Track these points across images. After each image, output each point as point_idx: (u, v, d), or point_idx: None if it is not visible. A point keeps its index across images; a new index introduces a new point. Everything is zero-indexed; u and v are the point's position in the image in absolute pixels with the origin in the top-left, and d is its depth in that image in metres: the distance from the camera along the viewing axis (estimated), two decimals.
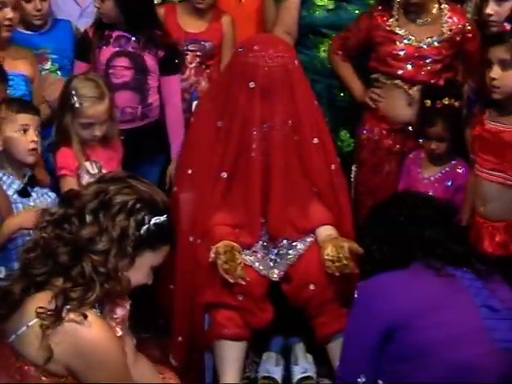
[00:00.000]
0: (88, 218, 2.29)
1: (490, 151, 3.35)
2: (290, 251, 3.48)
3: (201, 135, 3.59)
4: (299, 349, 3.71)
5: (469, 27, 3.94)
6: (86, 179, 3.52)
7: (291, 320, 3.60)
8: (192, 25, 4.30)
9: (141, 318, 3.83)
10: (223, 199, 3.50)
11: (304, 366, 3.63)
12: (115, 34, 4.02)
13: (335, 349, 3.24)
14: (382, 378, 2.48)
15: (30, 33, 4.07)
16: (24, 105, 3.43)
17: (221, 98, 3.54)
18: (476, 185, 3.44)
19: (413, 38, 3.92)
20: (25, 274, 2.31)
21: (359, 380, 2.48)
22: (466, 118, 3.76)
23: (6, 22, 3.78)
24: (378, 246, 2.63)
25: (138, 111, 4.05)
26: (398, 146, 4.02)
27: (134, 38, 4.01)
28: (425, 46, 3.91)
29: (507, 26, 3.30)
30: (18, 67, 3.81)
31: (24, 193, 3.37)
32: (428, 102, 3.76)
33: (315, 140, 3.54)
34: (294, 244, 3.49)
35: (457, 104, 3.74)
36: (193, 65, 4.27)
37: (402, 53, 3.92)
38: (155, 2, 4.30)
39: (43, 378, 2.24)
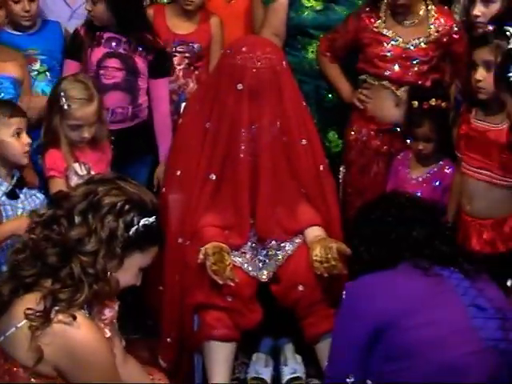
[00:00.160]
0: (77, 219, 2.30)
1: (476, 150, 3.36)
2: (279, 252, 3.49)
3: (189, 137, 3.59)
4: (288, 349, 3.72)
5: (456, 28, 3.96)
6: (74, 181, 3.52)
7: (280, 321, 3.61)
8: (180, 26, 4.30)
9: (129, 320, 3.85)
10: (212, 200, 3.50)
11: (293, 366, 3.64)
12: (106, 35, 4.02)
13: (324, 349, 3.25)
14: (371, 378, 2.48)
15: (18, 33, 4.06)
16: (15, 108, 3.44)
17: (209, 100, 3.54)
18: (463, 183, 3.46)
19: (400, 39, 3.93)
20: (13, 275, 2.31)
21: (348, 380, 2.49)
22: (453, 119, 3.78)
23: None
24: (365, 247, 2.64)
25: (129, 112, 4.06)
26: (385, 147, 4.03)
27: (124, 40, 4.01)
28: (412, 47, 3.93)
29: (491, 28, 3.31)
30: (7, 70, 3.80)
31: (12, 195, 3.37)
32: (415, 103, 3.78)
33: (303, 141, 3.55)
34: (282, 245, 3.50)
35: (444, 105, 3.76)
36: (181, 66, 4.27)
37: (389, 54, 3.93)
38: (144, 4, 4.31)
39: (32, 380, 2.24)
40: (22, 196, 3.39)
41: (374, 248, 2.61)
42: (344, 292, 2.54)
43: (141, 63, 4.03)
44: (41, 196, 3.46)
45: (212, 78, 3.67)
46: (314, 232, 3.49)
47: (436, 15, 3.96)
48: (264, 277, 3.47)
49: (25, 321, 2.21)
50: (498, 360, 2.44)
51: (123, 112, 4.04)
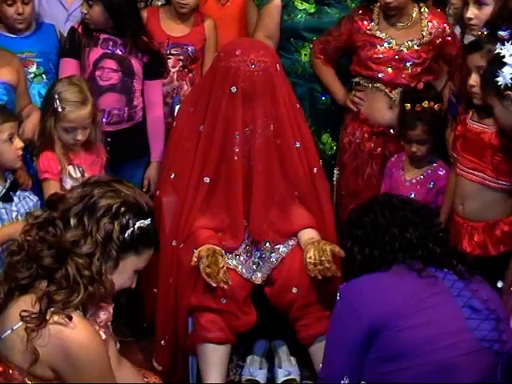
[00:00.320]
0: (72, 222, 2.30)
1: (470, 151, 3.37)
2: (273, 254, 3.49)
3: (183, 139, 3.59)
4: (283, 352, 3.73)
5: (448, 30, 3.98)
6: (68, 183, 3.52)
7: (274, 323, 3.61)
8: (175, 29, 4.30)
9: (124, 322, 3.86)
10: (206, 203, 3.50)
11: (288, 368, 3.65)
12: (102, 36, 4.01)
13: (318, 351, 3.25)
14: (366, 379, 2.49)
15: (14, 36, 4.04)
16: (7, 113, 3.43)
17: (203, 103, 3.53)
18: (456, 183, 3.47)
19: (393, 41, 3.94)
20: (9, 277, 2.31)
21: (342, 382, 2.49)
22: (446, 121, 3.79)
23: None
24: (359, 249, 2.64)
25: (125, 113, 4.05)
26: (379, 149, 4.04)
27: (120, 42, 4.01)
28: (405, 50, 3.94)
29: (485, 32, 3.32)
30: (2, 75, 3.78)
31: (6, 198, 3.37)
32: (408, 106, 3.79)
33: (297, 143, 3.55)
34: (276, 247, 3.50)
35: (436, 107, 3.78)
36: (175, 69, 4.27)
37: (382, 56, 3.94)
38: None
39: (28, 382, 2.24)
40: (15, 199, 3.39)
41: (368, 250, 2.62)
42: (338, 294, 2.55)
43: (136, 65, 4.03)
44: (34, 198, 3.46)
45: (206, 81, 3.67)
46: (308, 234, 3.49)
47: (429, 17, 3.97)
48: (258, 279, 3.47)
49: (21, 323, 2.22)
50: (492, 360, 2.46)
51: (119, 113, 4.04)
